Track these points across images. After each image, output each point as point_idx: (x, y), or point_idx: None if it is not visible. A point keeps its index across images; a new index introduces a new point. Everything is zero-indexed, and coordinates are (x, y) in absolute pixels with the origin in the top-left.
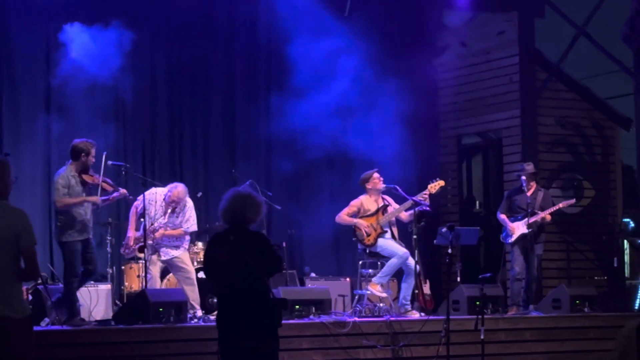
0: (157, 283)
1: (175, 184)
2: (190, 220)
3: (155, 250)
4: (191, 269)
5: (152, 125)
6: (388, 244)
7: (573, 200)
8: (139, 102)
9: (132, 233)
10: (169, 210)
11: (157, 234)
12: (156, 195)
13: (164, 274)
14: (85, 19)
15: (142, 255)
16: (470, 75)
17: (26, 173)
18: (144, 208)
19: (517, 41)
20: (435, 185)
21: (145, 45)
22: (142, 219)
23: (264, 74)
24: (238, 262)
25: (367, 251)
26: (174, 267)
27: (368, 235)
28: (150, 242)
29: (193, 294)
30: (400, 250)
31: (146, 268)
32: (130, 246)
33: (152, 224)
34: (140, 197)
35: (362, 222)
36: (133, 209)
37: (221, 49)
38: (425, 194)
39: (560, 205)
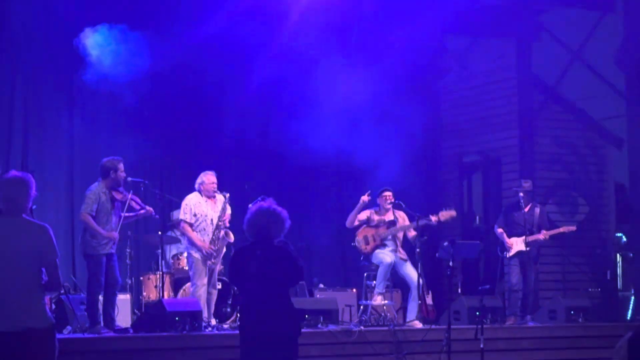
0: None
1: (202, 173)
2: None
3: (227, 233)
4: None
5: (170, 145)
6: (380, 256)
7: (574, 227)
8: (157, 117)
9: (201, 242)
10: (210, 199)
11: (225, 217)
12: (193, 199)
13: (178, 284)
14: (109, 30)
15: (231, 237)
16: (471, 96)
17: (51, 185)
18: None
19: (515, 65)
20: (446, 214)
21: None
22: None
23: (278, 95)
24: (266, 276)
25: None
26: (212, 271)
27: (367, 244)
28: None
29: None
30: (385, 259)
31: (162, 278)
32: (214, 249)
33: (210, 220)
34: (182, 213)
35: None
36: (183, 226)
37: (236, 72)
38: (434, 218)
39: (562, 229)
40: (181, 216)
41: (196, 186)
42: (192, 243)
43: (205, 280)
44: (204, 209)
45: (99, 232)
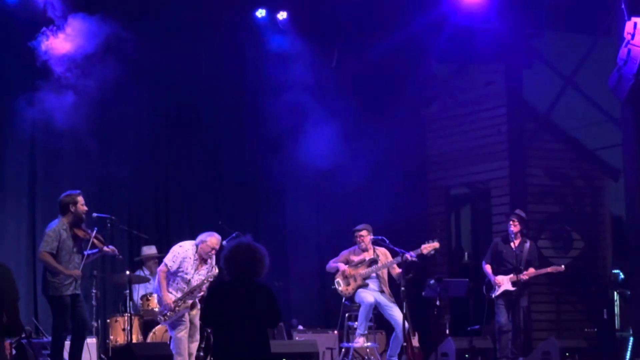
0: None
1: (208, 233)
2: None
3: (194, 305)
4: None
5: (138, 178)
6: (362, 295)
7: (562, 268)
8: (122, 152)
9: (168, 296)
10: (202, 263)
11: (204, 287)
12: (187, 252)
13: (148, 327)
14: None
15: (194, 313)
16: (458, 125)
17: (11, 227)
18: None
19: (505, 91)
20: (429, 247)
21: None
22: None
23: (250, 124)
24: (248, 316)
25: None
26: (193, 323)
27: (347, 285)
28: (191, 300)
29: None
30: (367, 299)
31: (131, 320)
32: (173, 309)
33: (188, 281)
34: (169, 257)
35: (343, 267)
36: (162, 269)
37: (208, 99)
38: (417, 253)
39: (549, 269)
40: (166, 259)
41: (197, 240)
42: (159, 290)
43: (188, 323)
44: (189, 267)
45: (60, 270)
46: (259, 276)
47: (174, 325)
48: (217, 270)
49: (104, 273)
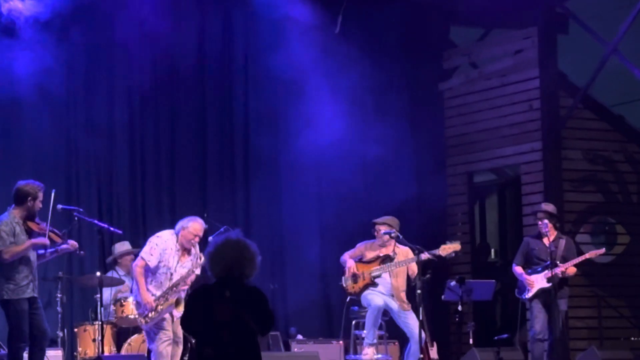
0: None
1: (190, 217)
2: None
3: (179, 302)
4: None
5: (109, 163)
6: (370, 296)
7: (603, 250)
8: (94, 136)
9: (147, 294)
10: (184, 254)
11: (188, 281)
12: (166, 242)
13: (122, 337)
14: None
15: (178, 312)
16: (482, 101)
17: None
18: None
19: (537, 62)
20: (448, 248)
21: (102, 74)
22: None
23: (241, 103)
24: (236, 322)
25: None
26: (177, 324)
27: (354, 282)
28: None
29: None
30: (374, 300)
31: (102, 329)
32: (154, 308)
33: (171, 275)
34: (146, 250)
35: (350, 265)
36: (138, 264)
37: (191, 69)
38: (435, 254)
39: (587, 255)
40: (143, 253)
41: (176, 228)
42: (137, 289)
43: (171, 333)
44: (170, 259)
45: (30, 245)
46: (248, 277)
47: (154, 333)
48: (202, 260)
49: (70, 274)
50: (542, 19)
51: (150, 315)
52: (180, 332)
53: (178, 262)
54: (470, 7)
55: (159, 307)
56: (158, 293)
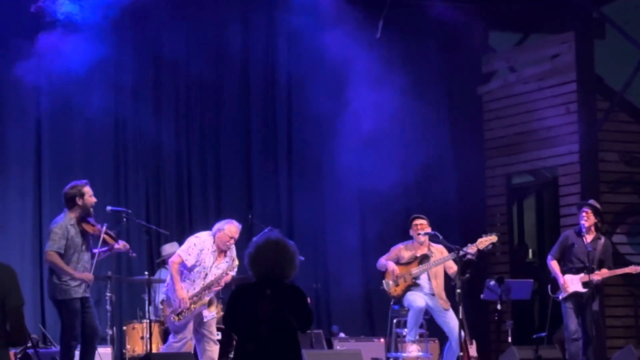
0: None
1: (227, 220)
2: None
3: (212, 302)
4: None
5: (157, 166)
6: (411, 298)
7: None
8: (141, 141)
9: (183, 291)
10: (220, 255)
11: (222, 282)
12: (204, 243)
13: (169, 334)
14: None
15: (210, 313)
16: (520, 105)
17: (15, 225)
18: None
19: (575, 66)
20: (485, 241)
21: (148, 77)
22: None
23: (284, 108)
24: (278, 320)
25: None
26: (210, 324)
27: (396, 285)
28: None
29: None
30: (416, 302)
31: (150, 327)
32: (189, 305)
33: (205, 275)
34: (184, 249)
35: (392, 267)
36: (175, 261)
37: (236, 74)
38: (472, 248)
39: (627, 270)
40: (181, 251)
41: (213, 230)
42: (171, 285)
43: (188, 334)
44: (207, 259)
45: (69, 273)
46: (288, 278)
47: (179, 330)
48: (237, 263)
49: (119, 274)
50: (579, 24)
51: (184, 312)
52: (214, 330)
53: (214, 263)
54: (509, 12)
55: (192, 306)
56: (191, 291)
